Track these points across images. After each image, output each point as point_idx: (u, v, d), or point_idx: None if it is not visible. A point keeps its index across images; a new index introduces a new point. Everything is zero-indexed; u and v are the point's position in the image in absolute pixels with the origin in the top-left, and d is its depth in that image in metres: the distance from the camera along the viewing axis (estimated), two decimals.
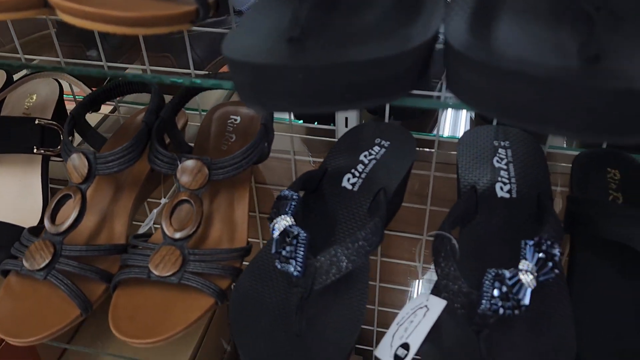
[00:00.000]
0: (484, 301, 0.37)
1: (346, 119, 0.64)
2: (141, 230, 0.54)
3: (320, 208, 0.52)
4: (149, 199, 0.61)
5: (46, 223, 0.48)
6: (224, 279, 0.48)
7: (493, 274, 0.38)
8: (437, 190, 0.67)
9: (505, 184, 0.50)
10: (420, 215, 0.71)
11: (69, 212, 0.49)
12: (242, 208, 0.54)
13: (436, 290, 0.44)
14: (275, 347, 0.41)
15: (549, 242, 0.39)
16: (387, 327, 0.92)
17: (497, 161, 0.51)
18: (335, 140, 0.58)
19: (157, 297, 0.47)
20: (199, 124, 0.61)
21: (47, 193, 0.58)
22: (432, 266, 0.80)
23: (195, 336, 0.81)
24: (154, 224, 0.55)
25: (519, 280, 0.38)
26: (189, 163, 0.49)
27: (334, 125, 0.66)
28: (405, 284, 0.84)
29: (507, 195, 0.49)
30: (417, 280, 0.80)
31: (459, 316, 0.40)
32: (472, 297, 0.38)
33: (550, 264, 0.38)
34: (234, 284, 0.48)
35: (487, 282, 0.37)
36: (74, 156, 0.49)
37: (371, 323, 0.84)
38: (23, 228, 0.52)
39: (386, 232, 0.76)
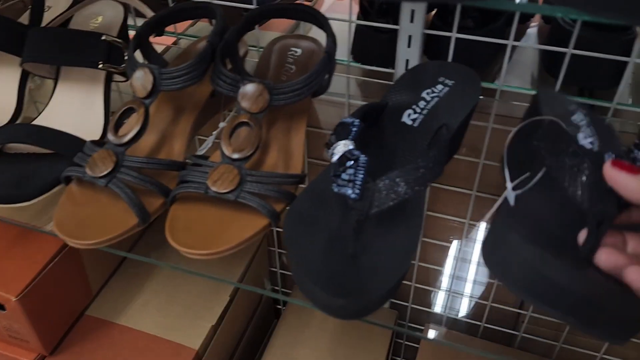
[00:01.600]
0: None
1: (407, 61, 0.63)
2: (199, 152, 0.55)
3: (379, 142, 0.51)
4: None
5: (109, 134, 0.49)
6: (279, 202, 0.48)
7: None
8: (494, 145, 0.65)
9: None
10: (471, 170, 0.69)
11: (131, 126, 0.49)
12: (299, 138, 0.54)
13: None
14: (330, 265, 0.41)
15: None
16: (426, 284, 0.91)
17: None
18: (393, 84, 0.57)
19: (213, 213, 0.47)
20: (257, 60, 0.61)
21: (108, 110, 0.59)
22: (478, 224, 0.78)
23: (242, 262, 0.83)
24: (211, 146, 0.55)
25: None
26: (251, 86, 0.49)
27: (394, 68, 0.65)
28: (447, 241, 0.83)
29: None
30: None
31: None
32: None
33: None
34: (287, 208, 0.48)
35: None
36: (139, 71, 0.50)
37: (409, 278, 0.83)
38: (84, 140, 0.54)
39: (433, 185, 0.75)
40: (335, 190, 0.43)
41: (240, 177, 0.47)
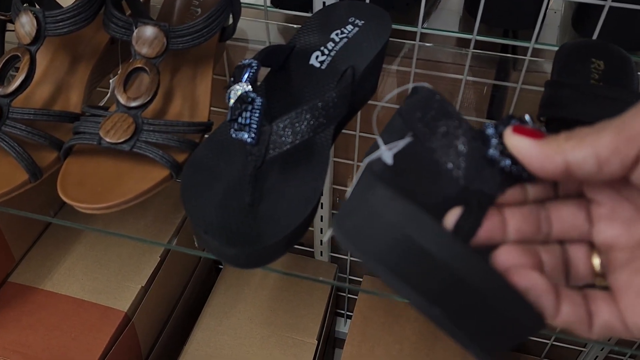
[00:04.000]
0: None
1: (324, 3, 0.60)
2: (102, 103, 0.52)
3: (286, 86, 0.49)
4: None
5: None
6: (181, 152, 0.46)
7: None
8: None
9: None
10: (390, 117, 0.68)
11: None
12: (205, 84, 0.51)
13: None
14: (225, 213, 0.40)
15: None
16: None
17: None
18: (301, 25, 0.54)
19: (109, 165, 0.45)
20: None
21: None
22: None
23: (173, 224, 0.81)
24: None
25: None
26: (146, 29, 0.46)
27: (312, 12, 0.62)
28: None
29: None
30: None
31: None
32: None
33: None
34: None
35: None
36: (22, 15, 0.46)
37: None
38: None
39: (347, 131, 0.73)
40: (233, 135, 0.41)
41: (136, 126, 0.44)
